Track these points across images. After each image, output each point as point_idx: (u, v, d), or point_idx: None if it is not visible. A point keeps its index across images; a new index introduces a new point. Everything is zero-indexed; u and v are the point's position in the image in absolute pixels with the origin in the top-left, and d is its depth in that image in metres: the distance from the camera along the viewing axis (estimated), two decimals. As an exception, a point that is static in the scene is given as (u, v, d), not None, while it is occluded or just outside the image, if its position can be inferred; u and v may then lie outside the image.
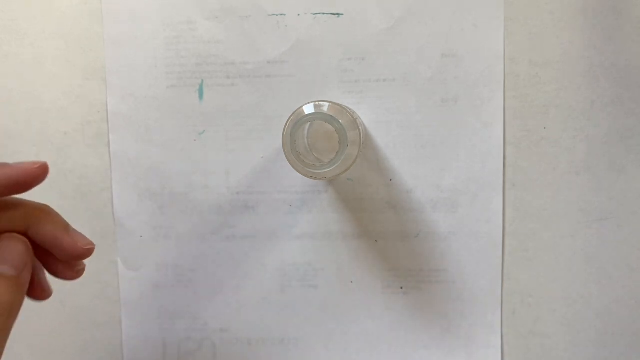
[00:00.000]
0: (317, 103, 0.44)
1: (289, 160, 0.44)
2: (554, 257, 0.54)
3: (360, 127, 0.45)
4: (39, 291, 0.41)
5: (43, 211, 0.39)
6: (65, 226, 0.39)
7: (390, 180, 0.54)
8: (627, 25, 0.52)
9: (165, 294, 0.56)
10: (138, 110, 0.55)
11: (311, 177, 0.45)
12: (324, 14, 0.53)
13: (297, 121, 0.43)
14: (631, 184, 0.53)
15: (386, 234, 0.54)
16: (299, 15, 0.53)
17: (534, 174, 0.53)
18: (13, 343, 0.57)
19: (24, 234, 0.37)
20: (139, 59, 0.55)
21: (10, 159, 0.56)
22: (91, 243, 0.39)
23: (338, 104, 0.45)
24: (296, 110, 0.44)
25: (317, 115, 0.43)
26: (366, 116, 0.53)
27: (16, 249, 0.36)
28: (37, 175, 0.39)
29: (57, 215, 0.39)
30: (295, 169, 0.44)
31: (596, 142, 0.53)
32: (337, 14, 0.53)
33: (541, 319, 0.54)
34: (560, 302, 0.54)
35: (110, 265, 0.56)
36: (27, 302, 0.56)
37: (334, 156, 0.43)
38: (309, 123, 0.45)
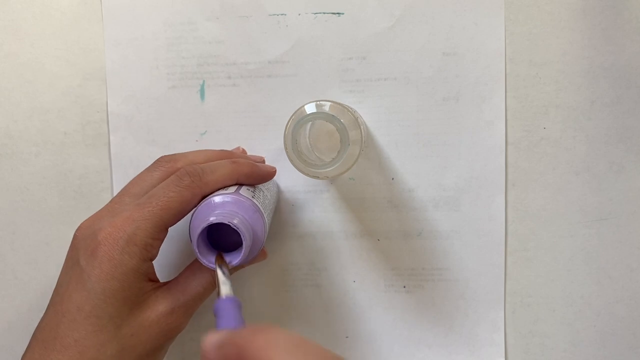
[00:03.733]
0: (318, 102, 0.44)
1: (290, 160, 0.44)
2: (553, 257, 0.54)
3: (361, 126, 0.45)
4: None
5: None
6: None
7: (392, 179, 0.54)
8: (626, 26, 0.52)
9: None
10: (139, 112, 0.55)
11: (313, 177, 0.45)
12: (324, 13, 0.53)
13: (299, 121, 0.43)
14: (630, 183, 0.53)
15: (388, 233, 0.54)
16: (299, 15, 0.53)
17: (533, 174, 0.54)
18: (13, 343, 0.57)
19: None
20: (140, 60, 0.55)
21: (10, 159, 0.56)
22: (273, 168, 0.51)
23: (339, 103, 0.45)
24: (297, 110, 0.44)
25: (319, 115, 0.43)
26: (367, 115, 0.53)
27: None
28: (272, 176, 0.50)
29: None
30: (297, 169, 0.44)
31: (596, 142, 0.53)
32: (338, 13, 0.53)
33: (541, 319, 0.55)
34: (559, 301, 0.54)
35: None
36: (29, 300, 0.56)
37: (336, 155, 0.43)
38: (311, 122, 0.45)
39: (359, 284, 0.55)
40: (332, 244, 0.55)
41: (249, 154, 0.54)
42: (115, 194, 0.55)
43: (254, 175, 0.47)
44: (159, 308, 0.43)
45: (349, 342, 0.56)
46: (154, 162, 0.46)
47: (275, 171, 0.50)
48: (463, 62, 0.53)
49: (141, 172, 0.46)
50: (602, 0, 0.52)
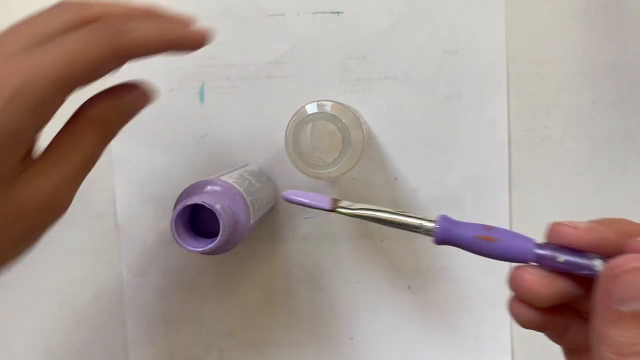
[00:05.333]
0: (319, 102, 0.44)
1: (292, 161, 0.44)
2: (556, 258, 0.54)
3: (363, 126, 0.45)
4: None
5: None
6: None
7: (395, 178, 0.54)
8: (628, 25, 0.52)
9: (170, 299, 0.56)
10: (139, 115, 0.55)
11: (314, 177, 0.44)
12: (323, 13, 0.53)
13: (300, 121, 0.43)
14: (633, 183, 0.53)
15: (392, 233, 0.54)
16: (298, 15, 0.53)
17: (535, 174, 0.53)
18: (11, 343, 0.56)
19: None
20: (138, 63, 0.54)
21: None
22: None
23: (341, 103, 0.44)
24: (298, 110, 0.44)
25: (320, 115, 0.43)
26: (368, 115, 0.53)
27: None
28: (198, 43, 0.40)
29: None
30: (299, 169, 0.44)
31: (597, 141, 0.53)
32: (337, 12, 0.53)
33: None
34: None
35: (110, 265, 0.56)
36: (27, 301, 0.56)
37: (337, 156, 0.43)
38: (312, 123, 0.45)
39: (363, 285, 0.55)
40: (335, 245, 0.55)
41: (250, 157, 0.54)
42: (117, 198, 0.55)
43: (185, 41, 0.39)
44: (31, 188, 0.34)
45: (353, 344, 0.55)
46: (59, 3, 0.36)
47: (207, 34, 0.41)
48: (464, 60, 0.52)
49: (38, 13, 0.36)
50: (603, -1, 0.52)
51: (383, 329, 0.55)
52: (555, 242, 0.29)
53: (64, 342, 0.57)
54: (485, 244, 0.31)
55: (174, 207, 0.43)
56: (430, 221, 0.32)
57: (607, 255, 0.28)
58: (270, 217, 0.54)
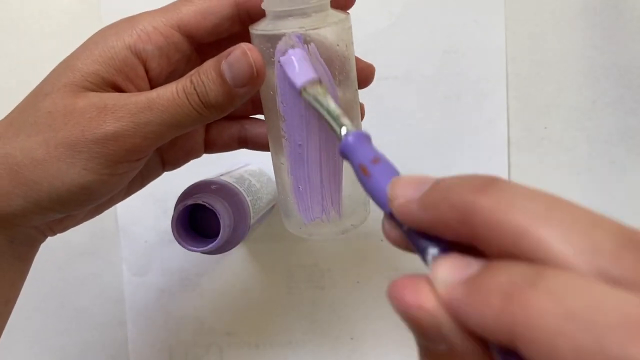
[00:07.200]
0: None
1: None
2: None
3: None
4: None
5: None
6: None
7: (395, 178, 0.54)
8: (628, 25, 0.52)
9: (171, 299, 0.56)
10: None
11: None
12: (324, 13, 0.53)
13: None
14: (632, 183, 0.53)
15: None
16: (299, 15, 0.53)
17: (534, 174, 0.53)
18: (13, 343, 0.56)
19: None
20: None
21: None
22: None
23: None
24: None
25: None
26: (368, 115, 0.53)
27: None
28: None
29: None
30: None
31: (597, 142, 0.53)
32: (338, 13, 0.53)
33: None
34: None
35: (111, 265, 0.56)
36: (28, 301, 0.56)
37: None
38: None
39: (363, 285, 0.55)
40: (336, 244, 0.55)
41: (250, 157, 0.53)
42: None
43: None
44: (109, 125, 0.32)
45: (353, 344, 0.55)
46: None
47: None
48: (464, 61, 0.52)
49: None
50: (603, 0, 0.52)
51: (383, 329, 0.55)
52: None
53: (64, 342, 0.57)
54: (361, 176, 0.25)
55: (175, 207, 0.43)
56: (346, 133, 0.27)
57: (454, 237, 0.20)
58: (270, 217, 0.54)
